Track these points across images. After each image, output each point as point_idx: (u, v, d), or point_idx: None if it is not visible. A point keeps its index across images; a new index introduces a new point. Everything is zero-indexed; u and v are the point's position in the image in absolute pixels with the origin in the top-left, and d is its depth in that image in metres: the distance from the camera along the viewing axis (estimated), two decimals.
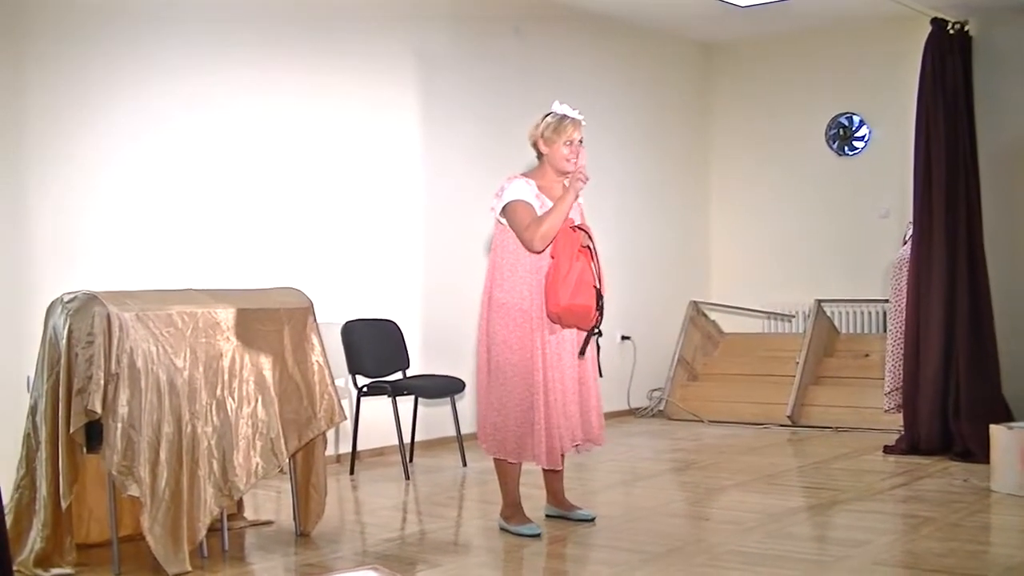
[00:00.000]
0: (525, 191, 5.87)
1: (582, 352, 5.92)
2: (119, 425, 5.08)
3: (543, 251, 5.81)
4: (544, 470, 6.13)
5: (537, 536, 5.85)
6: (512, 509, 6.04)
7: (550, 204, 5.87)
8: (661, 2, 10.43)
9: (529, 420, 5.80)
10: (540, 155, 6.01)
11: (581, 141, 5.94)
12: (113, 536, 5.32)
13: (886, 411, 9.06)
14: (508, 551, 5.65)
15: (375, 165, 8.81)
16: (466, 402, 8.72)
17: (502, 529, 6.02)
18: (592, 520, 6.19)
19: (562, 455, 5.97)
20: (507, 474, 6.04)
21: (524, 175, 6.00)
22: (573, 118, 5.93)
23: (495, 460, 6.05)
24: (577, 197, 5.87)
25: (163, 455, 5.19)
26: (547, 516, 6.26)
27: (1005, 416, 8.07)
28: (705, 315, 11.53)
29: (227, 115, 7.83)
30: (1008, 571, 5.02)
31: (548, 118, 5.95)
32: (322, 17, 8.39)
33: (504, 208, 5.88)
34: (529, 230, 5.77)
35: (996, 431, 7.01)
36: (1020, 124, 8.70)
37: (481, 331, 6.00)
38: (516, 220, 5.83)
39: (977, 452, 7.78)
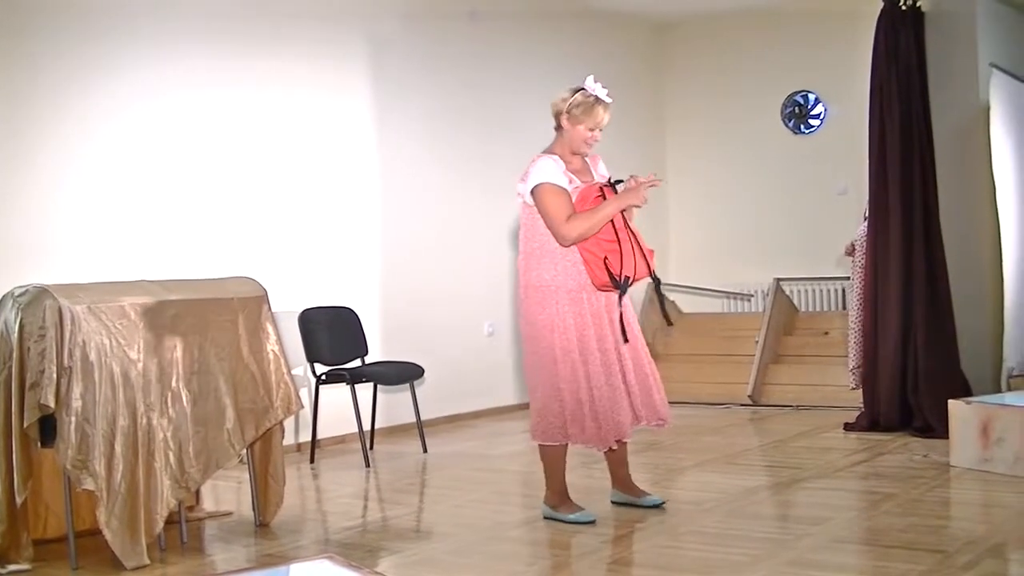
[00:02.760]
0: (554, 172, 5.65)
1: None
2: (73, 419, 5.03)
3: (572, 247, 5.63)
4: (606, 454, 6.00)
5: (591, 523, 5.71)
6: (559, 497, 5.87)
7: (579, 184, 5.69)
8: None
9: (577, 400, 5.63)
10: (559, 128, 5.79)
11: (601, 129, 5.76)
12: (70, 531, 5.27)
13: (853, 388, 9.09)
14: (469, 537, 5.62)
15: (328, 152, 8.77)
16: (425, 388, 8.69)
17: (548, 518, 5.85)
18: (661, 505, 6.02)
19: (620, 436, 5.76)
20: (553, 459, 5.84)
21: (547, 152, 5.77)
22: (606, 102, 5.71)
23: (542, 447, 5.84)
24: (621, 209, 5.66)
25: (118, 448, 5.14)
26: (613, 503, 6.11)
27: (964, 391, 8.10)
28: (664, 295, 11.52)
29: (179, 105, 7.77)
30: (968, 545, 5.03)
31: (579, 95, 5.70)
32: (272, 2, 8.33)
33: (533, 190, 5.66)
34: (569, 224, 5.56)
35: (955, 406, 7.03)
36: (973, 98, 8.72)
37: (522, 318, 5.80)
38: (550, 208, 5.60)
39: (937, 427, 7.81)
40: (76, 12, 7.21)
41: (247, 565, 5.28)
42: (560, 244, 5.62)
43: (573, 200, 5.65)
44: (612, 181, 5.84)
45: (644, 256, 5.73)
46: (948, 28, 8.71)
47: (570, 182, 5.68)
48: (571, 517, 5.77)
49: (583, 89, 5.74)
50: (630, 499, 6.07)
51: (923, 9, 8.70)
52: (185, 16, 7.79)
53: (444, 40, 9.77)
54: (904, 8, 8.61)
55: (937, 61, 8.66)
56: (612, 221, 5.64)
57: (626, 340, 5.77)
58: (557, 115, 5.77)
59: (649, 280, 5.92)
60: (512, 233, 10.21)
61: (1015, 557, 5.10)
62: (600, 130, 5.75)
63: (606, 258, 5.59)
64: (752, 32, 11.76)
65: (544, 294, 5.67)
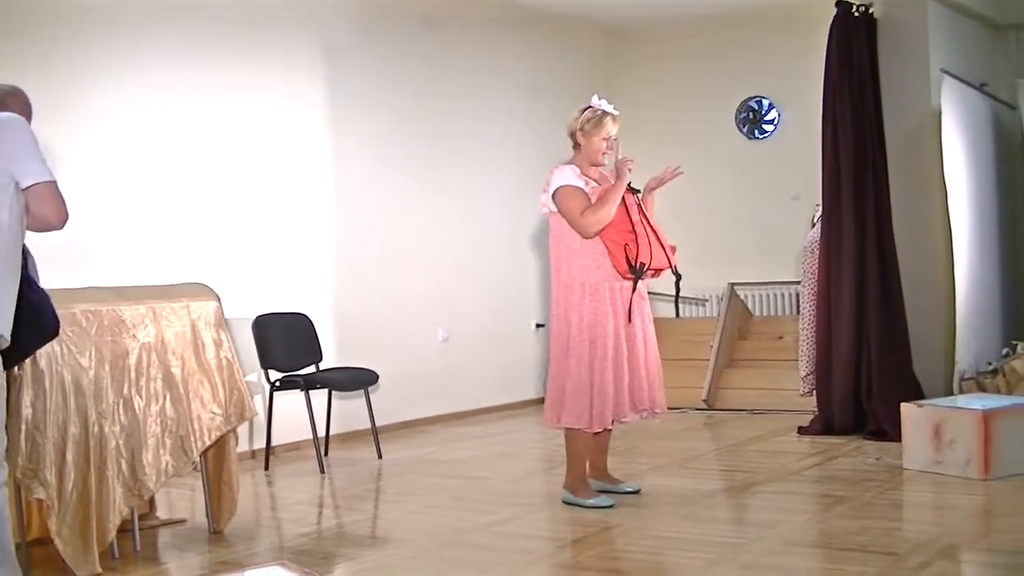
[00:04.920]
0: (570, 176, 6.11)
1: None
2: (23, 427, 4.98)
3: (595, 237, 6.01)
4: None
5: (610, 507, 6.04)
6: (580, 482, 6.22)
7: (595, 186, 6.13)
8: None
9: (602, 384, 6.01)
10: (576, 146, 6.25)
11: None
12: (21, 540, 5.21)
13: (803, 394, 9.13)
14: (425, 543, 5.60)
15: (282, 158, 8.74)
16: (380, 394, 8.66)
17: (568, 503, 6.17)
18: (638, 491, 6.42)
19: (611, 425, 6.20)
20: (581, 446, 6.21)
21: (565, 164, 6.21)
22: (613, 114, 6.19)
23: (568, 432, 6.19)
24: (626, 184, 6.13)
25: (70, 456, 5.09)
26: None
27: (916, 394, 8.14)
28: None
29: (131, 112, 7.71)
30: (920, 547, 5.06)
31: (587, 112, 6.20)
32: (226, 10, 8.28)
33: (554, 194, 6.07)
34: (584, 216, 6.00)
35: (907, 409, 7.08)
36: (924, 104, 8.78)
37: (558, 313, 6.14)
38: (569, 206, 6.06)
39: (890, 430, 7.84)
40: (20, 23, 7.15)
41: (201, 573, 5.25)
42: (582, 236, 6.04)
43: (592, 200, 6.06)
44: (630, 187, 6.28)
45: (663, 247, 6.20)
46: (900, 35, 8.78)
47: (586, 184, 6.11)
48: (590, 502, 6.10)
49: (591, 107, 6.21)
50: (606, 487, 6.39)
51: (875, 16, 8.77)
52: (137, 25, 7.72)
53: (397, 46, 9.75)
54: (857, 15, 8.67)
55: (889, 67, 8.73)
56: (628, 213, 6.12)
57: (628, 321, 6.14)
58: (572, 134, 6.26)
59: (671, 274, 6.41)
60: (469, 239, 10.23)
61: (967, 559, 5.14)
62: (613, 139, 6.22)
63: (626, 245, 6.03)
64: (706, 38, 11.79)
65: (574, 290, 6.06)
